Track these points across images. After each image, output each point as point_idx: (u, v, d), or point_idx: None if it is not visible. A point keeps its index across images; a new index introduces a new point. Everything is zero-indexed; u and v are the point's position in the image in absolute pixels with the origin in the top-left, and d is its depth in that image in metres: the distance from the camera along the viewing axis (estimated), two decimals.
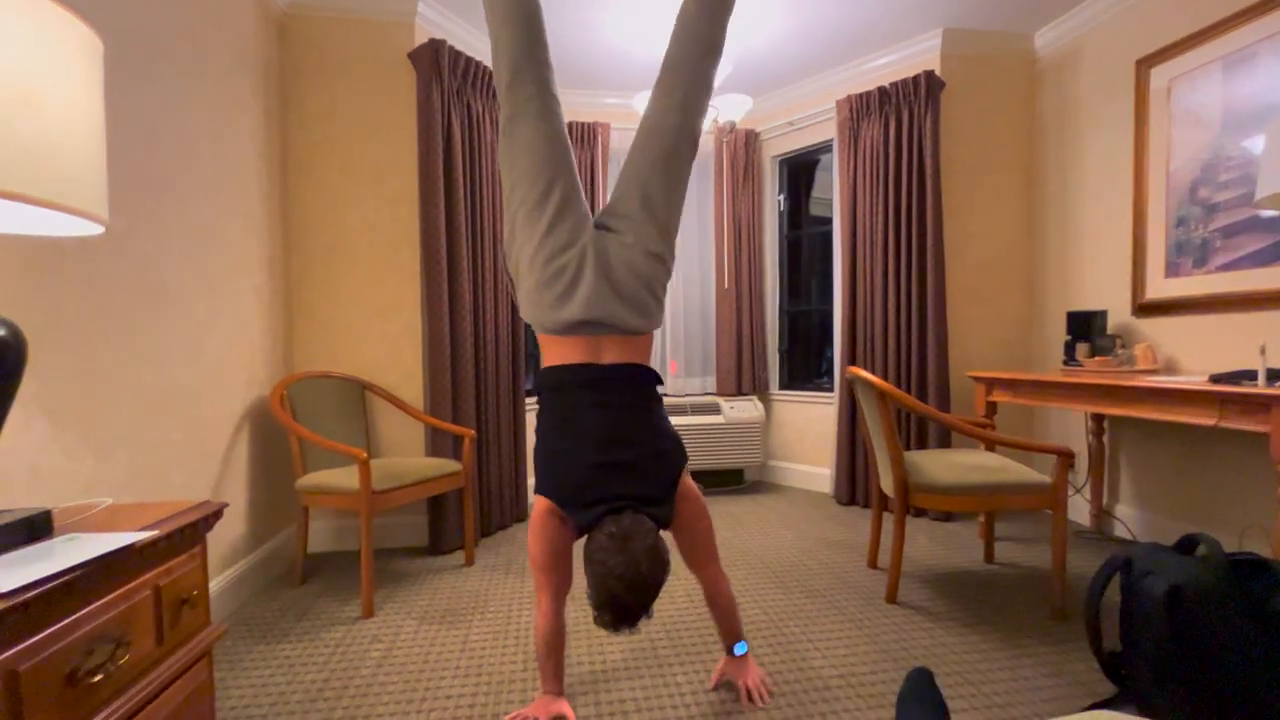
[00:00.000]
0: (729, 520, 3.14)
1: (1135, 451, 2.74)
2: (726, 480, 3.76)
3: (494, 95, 2.95)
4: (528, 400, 3.38)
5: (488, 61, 3.03)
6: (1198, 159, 2.42)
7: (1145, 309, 2.64)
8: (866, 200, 3.28)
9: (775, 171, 3.98)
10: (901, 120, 3.13)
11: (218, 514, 1.10)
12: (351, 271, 2.72)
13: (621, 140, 3.76)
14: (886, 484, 2.21)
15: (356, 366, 2.74)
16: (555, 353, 1.43)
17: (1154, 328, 2.62)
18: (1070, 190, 3.04)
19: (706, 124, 3.04)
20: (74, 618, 0.79)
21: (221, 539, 2.10)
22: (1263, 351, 1.72)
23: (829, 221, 3.83)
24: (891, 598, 2.10)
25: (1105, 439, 2.86)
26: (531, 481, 3.37)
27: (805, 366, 4.06)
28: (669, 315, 3.92)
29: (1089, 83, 2.92)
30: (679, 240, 3.88)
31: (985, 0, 2.83)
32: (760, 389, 3.92)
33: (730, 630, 1.59)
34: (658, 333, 3.97)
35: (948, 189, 3.19)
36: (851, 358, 3.36)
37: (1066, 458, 1.96)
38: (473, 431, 2.56)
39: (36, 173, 0.77)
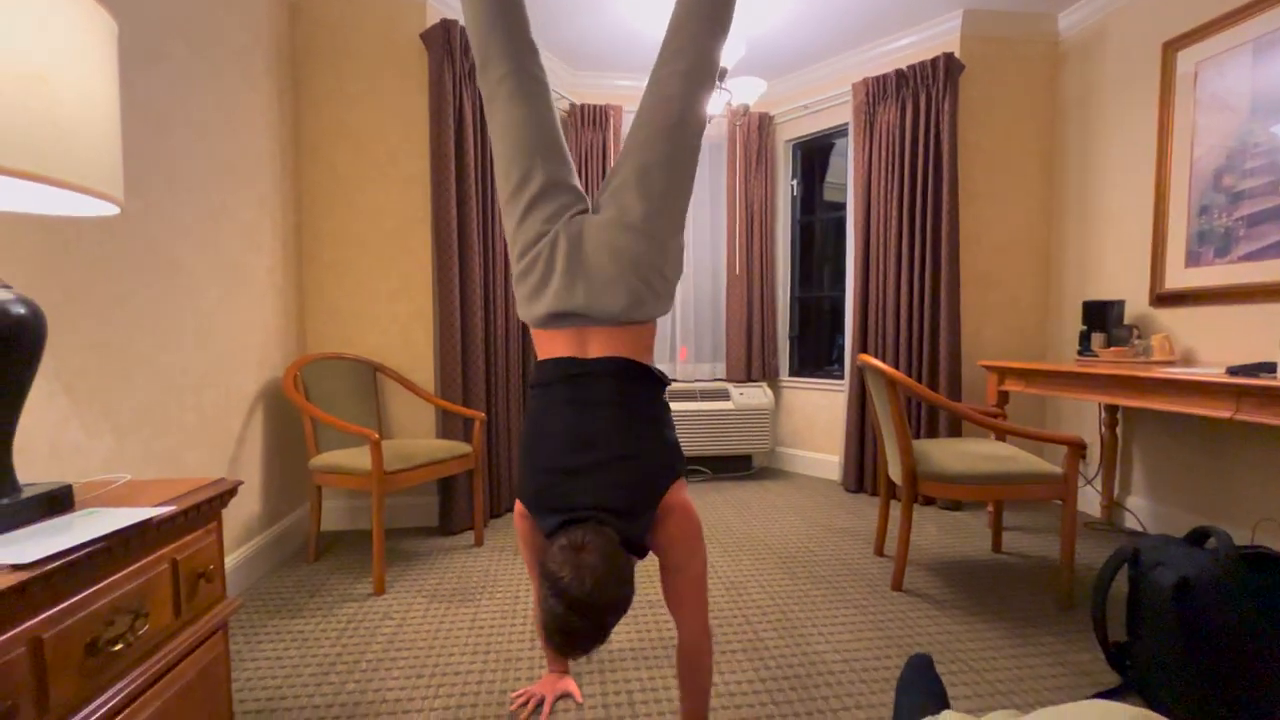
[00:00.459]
0: (737, 506, 3.16)
1: (1148, 443, 2.71)
2: (735, 466, 3.78)
3: None
4: None
5: None
6: (1223, 145, 2.36)
7: (1164, 299, 2.59)
8: (881, 185, 3.23)
9: (789, 156, 3.93)
10: (919, 104, 3.07)
11: (233, 491, 1.13)
12: (363, 254, 2.73)
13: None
14: (895, 472, 2.20)
15: (368, 349, 2.76)
16: (543, 347, 1.34)
17: (1172, 318, 2.58)
18: (1090, 177, 2.98)
19: (719, 108, 2.99)
20: (94, 589, 0.81)
21: (237, 517, 2.14)
22: None
23: (842, 207, 3.78)
24: (897, 585, 2.11)
25: (1118, 430, 2.83)
26: None
27: (816, 353, 4.04)
28: (679, 301, 3.90)
29: (1113, 65, 2.84)
30: (690, 225, 3.88)
31: None
32: (770, 375, 3.91)
33: (691, 710, 1.27)
34: (666, 318, 3.96)
35: (965, 174, 3.14)
36: (863, 345, 3.34)
37: (1078, 448, 1.94)
38: (483, 414, 2.58)
39: (54, 153, 0.78)
